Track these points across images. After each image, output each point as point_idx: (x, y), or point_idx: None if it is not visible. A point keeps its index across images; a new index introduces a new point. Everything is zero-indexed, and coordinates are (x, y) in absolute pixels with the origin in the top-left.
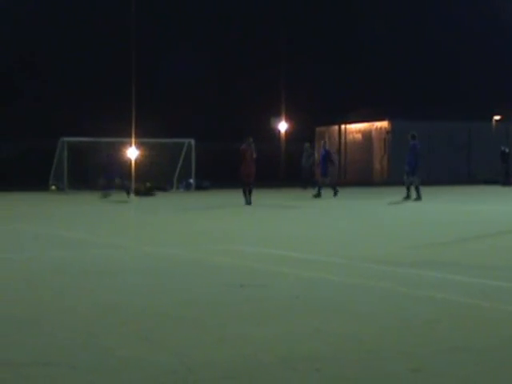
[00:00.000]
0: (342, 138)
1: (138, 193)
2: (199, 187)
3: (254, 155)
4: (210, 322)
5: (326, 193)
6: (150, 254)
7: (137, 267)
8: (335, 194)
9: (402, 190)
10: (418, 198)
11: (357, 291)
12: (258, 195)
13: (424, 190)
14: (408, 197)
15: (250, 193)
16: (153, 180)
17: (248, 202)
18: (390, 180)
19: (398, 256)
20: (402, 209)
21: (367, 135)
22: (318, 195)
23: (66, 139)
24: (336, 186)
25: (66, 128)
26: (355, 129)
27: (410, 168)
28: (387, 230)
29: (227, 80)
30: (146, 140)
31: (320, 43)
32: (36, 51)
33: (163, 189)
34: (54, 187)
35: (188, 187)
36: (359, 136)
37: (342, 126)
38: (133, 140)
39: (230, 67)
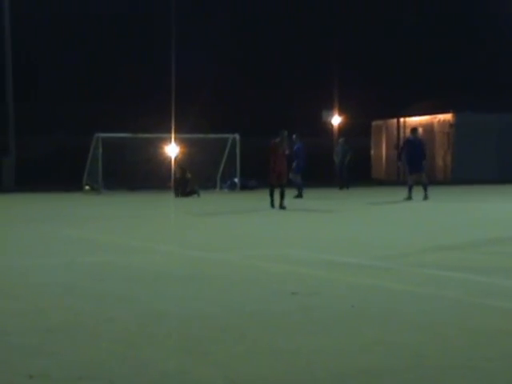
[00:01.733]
0: (401, 132)
1: (177, 193)
2: (245, 187)
3: (287, 151)
4: (259, 332)
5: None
6: (195, 259)
7: (180, 273)
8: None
9: (466, 190)
10: (425, 197)
11: (416, 299)
12: (310, 195)
13: (493, 189)
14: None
15: (282, 195)
16: (193, 179)
17: (276, 205)
18: (454, 178)
19: (459, 261)
20: (460, 209)
21: (429, 129)
22: (299, 196)
23: (101, 135)
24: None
25: (101, 123)
26: (416, 122)
27: (410, 166)
28: (447, 233)
29: (273, 70)
30: (186, 136)
31: (376, 29)
32: (70, 38)
33: (205, 189)
34: (87, 187)
35: (232, 187)
36: (420, 130)
37: (401, 120)
38: (172, 136)
39: (276, 55)
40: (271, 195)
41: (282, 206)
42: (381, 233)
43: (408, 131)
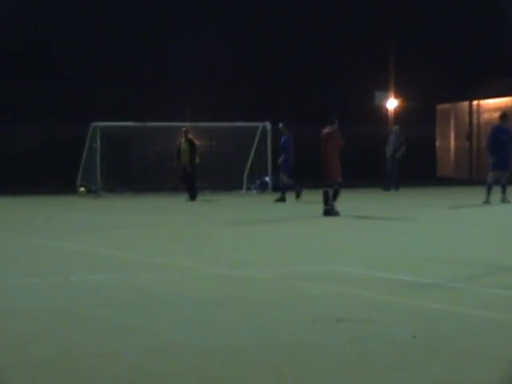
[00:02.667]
0: (474, 118)
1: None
2: (278, 187)
3: (342, 143)
4: (299, 370)
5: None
6: (217, 277)
7: (199, 296)
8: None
9: None
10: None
11: (494, 328)
12: (357, 197)
13: None
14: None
15: (335, 196)
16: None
17: (330, 211)
18: None
19: None
20: None
21: (508, 114)
22: (282, 199)
23: (100, 124)
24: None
25: (101, 109)
26: (492, 105)
27: (495, 161)
28: None
29: (310, 42)
30: (205, 124)
31: None
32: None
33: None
34: (83, 189)
35: (263, 187)
36: (497, 115)
37: (474, 103)
38: (187, 125)
39: (315, 24)
40: (327, 197)
41: (329, 211)
42: (447, 245)
43: (483, 116)
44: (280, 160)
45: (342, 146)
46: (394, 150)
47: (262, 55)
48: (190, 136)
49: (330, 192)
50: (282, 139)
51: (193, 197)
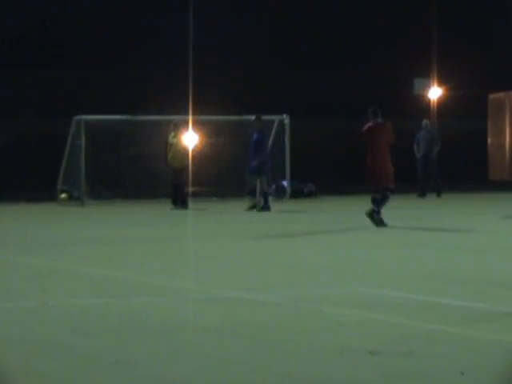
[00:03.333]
0: None
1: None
2: (298, 193)
3: (392, 139)
4: None
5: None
6: (225, 301)
7: (204, 323)
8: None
9: None
10: None
11: None
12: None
13: None
14: None
15: (383, 201)
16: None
17: (379, 221)
18: None
19: None
20: None
21: None
22: (252, 207)
23: (84, 118)
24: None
25: (86, 100)
26: None
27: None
28: None
29: (338, 20)
30: (210, 118)
31: None
32: None
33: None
34: (64, 195)
35: (279, 193)
36: None
37: None
38: (190, 118)
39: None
40: (376, 204)
41: (379, 221)
42: (499, 263)
43: None
44: (256, 162)
45: (392, 142)
46: (428, 149)
47: (283, 35)
48: (181, 130)
49: (379, 196)
50: (255, 136)
51: (183, 202)
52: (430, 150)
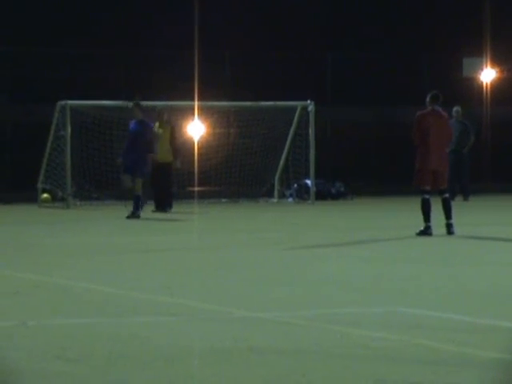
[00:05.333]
0: None
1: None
2: (324, 194)
3: (450, 133)
4: None
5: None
6: (238, 321)
7: (214, 347)
8: None
9: None
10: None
11: None
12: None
13: None
14: None
15: (446, 210)
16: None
17: (431, 229)
18: None
19: None
20: None
21: None
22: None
23: (70, 103)
24: None
25: (71, 82)
26: None
27: None
28: None
29: None
30: (219, 104)
31: None
32: None
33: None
34: (46, 195)
35: (302, 194)
36: None
37: None
38: (195, 105)
39: None
40: (424, 210)
41: (449, 230)
42: None
43: None
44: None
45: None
46: (459, 143)
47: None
48: (166, 119)
49: (429, 200)
50: (132, 125)
51: (169, 205)
52: (461, 144)
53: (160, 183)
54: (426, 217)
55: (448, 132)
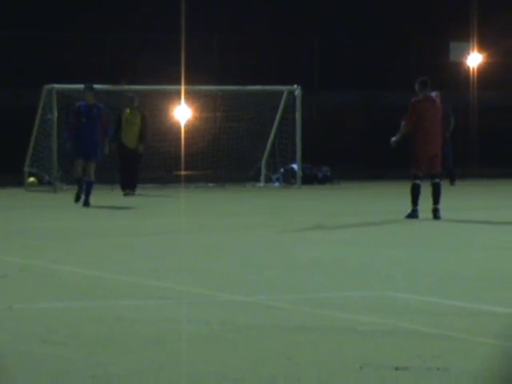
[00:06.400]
0: None
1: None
2: (310, 178)
3: (452, 122)
4: None
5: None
6: (226, 305)
7: (201, 331)
8: None
9: None
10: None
11: None
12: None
13: None
14: None
15: (435, 194)
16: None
17: (418, 213)
18: None
19: None
20: None
21: None
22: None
23: (57, 87)
24: None
25: (57, 66)
26: None
27: None
28: None
29: None
30: (206, 88)
31: None
32: None
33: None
34: (32, 179)
35: (288, 178)
36: None
37: None
38: (182, 89)
39: None
40: (413, 194)
41: (435, 215)
42: None
43: None
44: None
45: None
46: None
47: None
48: (137, 105)
49: (419, 185)
50: (84, 108)
51: (133, 187)
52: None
53: (128, 168)
54: (415, 200)
55: (442, 117)
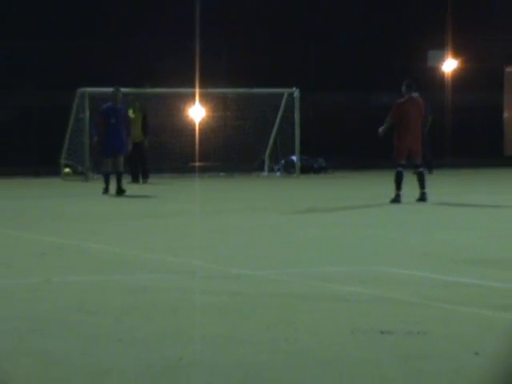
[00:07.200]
0: None
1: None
2: (308, 168)
3: (429, 118)
4: None
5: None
6: (235, 278)
7: (214, 301)
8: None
9: None
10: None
11: None
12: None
13: None
14: None
15: (420, 181)
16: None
17: (400, 197)
18: None
19: None
20: None
21: None
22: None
23: (88, 90)
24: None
25: (90, 72)
26: None
27: None
28: None
29: None
30: (217, 91)
31: None
32: None
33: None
34: (68, 170)
35: (289, 169)
36: None
37: None
38: (196, 91)
39: None
40: (397, 180)
41: (423, 197)
42: None
43: None
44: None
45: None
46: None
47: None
48: (139, 106)
49: (402, 173)
50: (115, 108)
51: (146, 176)
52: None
53: (135, 159)
54: (398, 186)
55: (422, 115)
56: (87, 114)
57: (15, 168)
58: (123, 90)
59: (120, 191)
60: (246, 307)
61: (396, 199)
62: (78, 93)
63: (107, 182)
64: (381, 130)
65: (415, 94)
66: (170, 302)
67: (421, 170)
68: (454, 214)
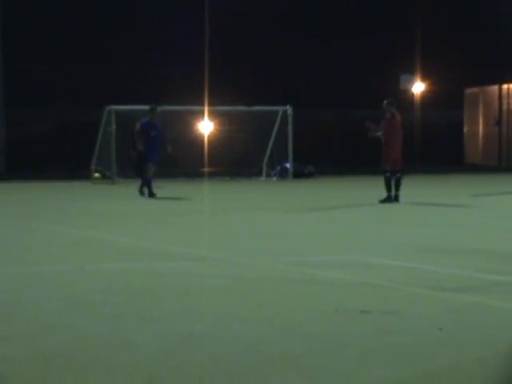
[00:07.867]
0: (504, 102)
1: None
2: (299, 174)
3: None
4: (320, 361)
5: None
6: (238, 266)
7: (219, 285)
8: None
9: None
10: None
11: None
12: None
13: None
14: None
15: (398, 185)
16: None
17: (392, 198)
18: None
19: None
20: None
21: None
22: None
23: (114, 108)
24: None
25: (116, 92)
26: None
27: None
28: None
29: (334, 19)
30: (223, 108)
31: None
32: None
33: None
34: (97, 174)
35: (283, 174)
36: None
37: (504, 86)
38: (205, 109)
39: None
40: (388, 184)
41: (396, 199)
42: (474, 235)
43: None
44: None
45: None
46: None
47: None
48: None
49: (391, 177)
50: (153, 125)
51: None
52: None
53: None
54: (388, 188)
55: (399, 128)
56: (113, 127)
57: (53, 173)
58: (144, 107)
59: (151, 194)
60: (246, 289)
61: (388, 199)
62: (106, 110)
63: (150, 186)
64: (370, 133)
65: (394, 111)
66: (183, 285)
67: (399, 175)
68: (423, 212)
